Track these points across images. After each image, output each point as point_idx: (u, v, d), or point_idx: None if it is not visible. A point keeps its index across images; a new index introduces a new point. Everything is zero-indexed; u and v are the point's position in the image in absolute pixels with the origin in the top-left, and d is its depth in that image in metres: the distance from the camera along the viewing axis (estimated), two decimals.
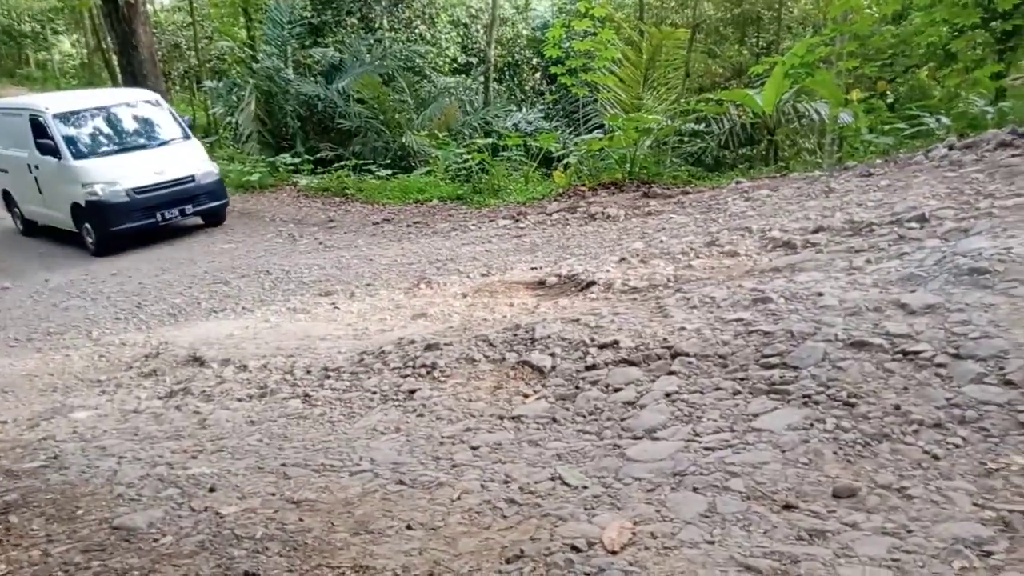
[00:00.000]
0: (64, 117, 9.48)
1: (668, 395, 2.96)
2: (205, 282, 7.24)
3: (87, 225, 9.33)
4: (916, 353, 2.71)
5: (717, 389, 2.91)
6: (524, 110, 15.33)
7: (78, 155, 9.28)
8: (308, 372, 4.08)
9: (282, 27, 14.94)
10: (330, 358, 4.23)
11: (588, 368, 3.37)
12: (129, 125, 10.04)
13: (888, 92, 8.96)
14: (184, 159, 9.82)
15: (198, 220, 10.14)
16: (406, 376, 3.72)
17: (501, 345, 3.79)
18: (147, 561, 2.25)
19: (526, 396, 3.30)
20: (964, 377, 2.51)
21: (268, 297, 6.33)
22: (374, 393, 3.61)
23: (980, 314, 2.83)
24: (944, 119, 7.37)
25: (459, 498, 2.44)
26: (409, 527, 2.29)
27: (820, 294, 3.46)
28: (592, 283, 4.81)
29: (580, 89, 11.25)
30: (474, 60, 17.91)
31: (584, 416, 3.01)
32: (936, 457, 2.18)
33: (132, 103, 10.18)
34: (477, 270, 5.93)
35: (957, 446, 2.22)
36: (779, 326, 3.20)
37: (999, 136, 5.80)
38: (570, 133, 12.98)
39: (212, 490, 2.73)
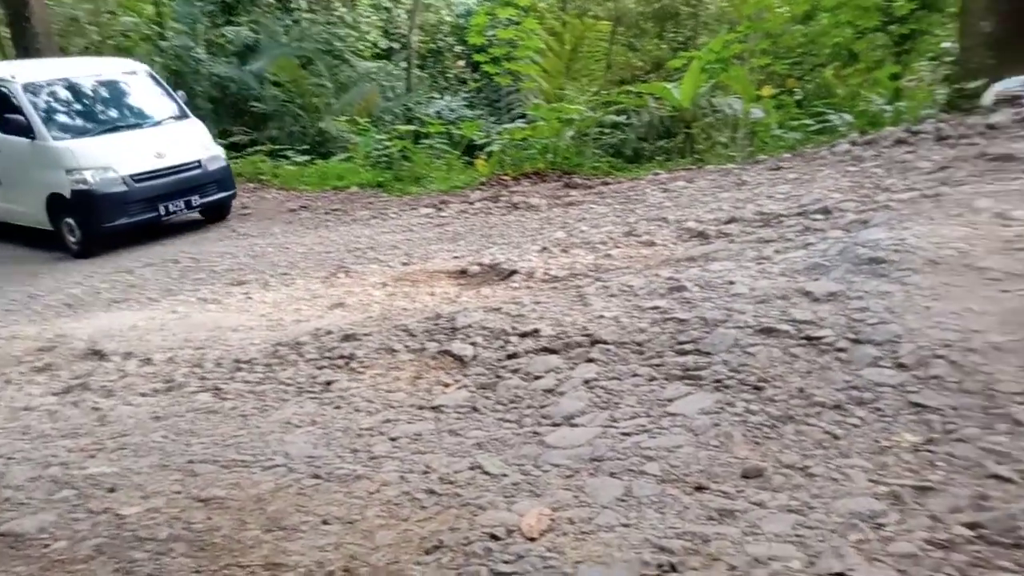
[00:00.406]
0: (36, 89, 7.77)
1: (587, 382, 2.99)
2: (106, 271, 6.84)
3: (70, 221, 7.61)
4: (819, 338, 2.84)
5: (634, 375, 2.97)
6: (447, 98, 15.18)
7: (59, 135, 7.62)
8: (218, 364, 3.91)
9: (192, 4, 14.22)
10: (242, 350, 4.07)
11: (509, 357, 3.38)
12: (115, 100, 8.37)
13: (797, 89, 9.35)
14: (187, 141, 8.27)
15: (195, 215, 8.55)
16: (323, 367, 3.63)
17: (422, 335, 3.75)
18: (36, 569, 2.11)
19: (447, 386, 3.27)
20: (862, 361, 2.64)
21: (176, 287, 6.04)
22: (289, 385, 3.50)
23: (877, 301, 2.99)
24: (847, 116, 7.75)
25: (377, 490, 2.40)
26: (325, 522, 2.23)
27: (732, 282, 3.57)
28: (514, 272, 4.81)
29: (503, 78, 11.22)
30: (396, 45, 17.58)
31: (505, 404, 3.01)
32: (836, 437, 2.29)
33: (112, 74, 8.56)
34: (398, 259, 5.84)
35: (855, 426, 2.33)
36: (693, 314, 3.29)
37: (896, 134, 6.15)
38: (493, 122, 12.96)
39: (112, 490, 2.58)
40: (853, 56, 9.49)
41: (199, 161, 8.22)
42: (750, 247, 4.26)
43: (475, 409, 3.00)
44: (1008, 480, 1.90)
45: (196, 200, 8.17)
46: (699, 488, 2.13)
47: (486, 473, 2.44)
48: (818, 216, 4.55)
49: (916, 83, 9.56)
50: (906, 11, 9.06)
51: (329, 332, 4.04)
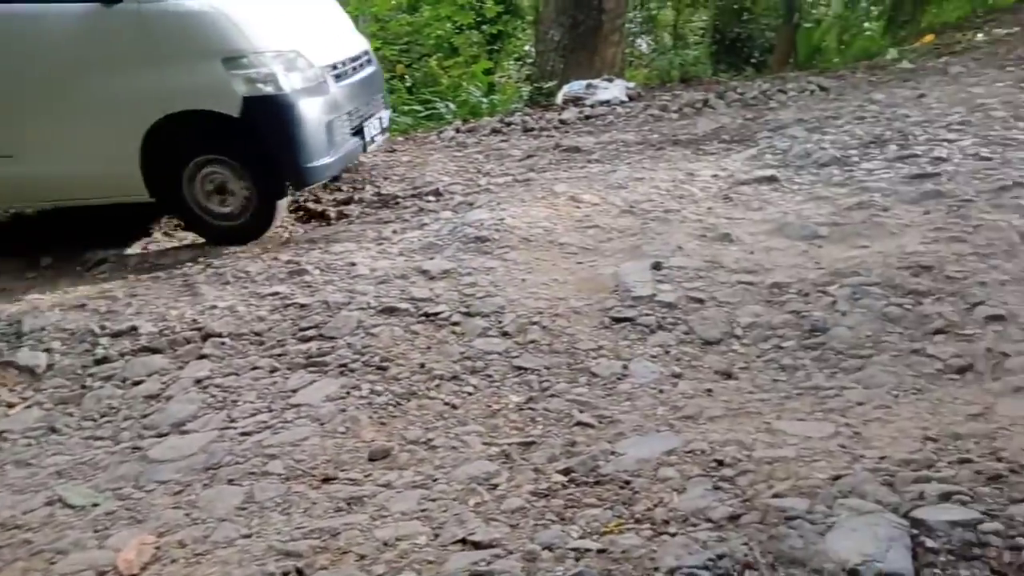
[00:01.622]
0: None
1: (199, 382, 2.69)
2: None
3: (220, 172, 3.95)
4: (436, 314, 2.97)
5: (254, 368, 2.76)
6: None
7: None
8: None
9: None
10: None
11: (98, 362, 2.87)
12: None
13: (407, 76, 9.77)
14: (336, 18, 4.92)
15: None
16: None
17: None
18: None
19: (11, 406, 2.65)
20: (473, 332, 2.85)
21: None
22: None
23: (483, 276, 3.26)
24: (451, 105, 8.37)
25: None
26: None
27: (353, 264, 3.56)
28: (104, 261, 4.11)
29: None
30: None
31: (94, 420, 2.55)
32: (454, 407, 2.43)
33: None
34: None
35: (470, 394, 2.50)
36: (315, 298, 3.19)
37: (492, 123, 6.82)
38: None
39: None
40: (454, 49, 10.28)
41: (367, 52, 4.96)
42: (370, 228, 4.30)
43: (53, 430, 2.48)
44: (590, 426, 2.22)
45: (385, 119, 4.92)
46: (326, 480, 2.06)
47: (69, 507, 2.02)
48: (431, 198, 4.80)
49: (506, 79, 10.78)
50: (494, 13, 10.12)
51: None
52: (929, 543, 1.38)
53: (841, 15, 8.59)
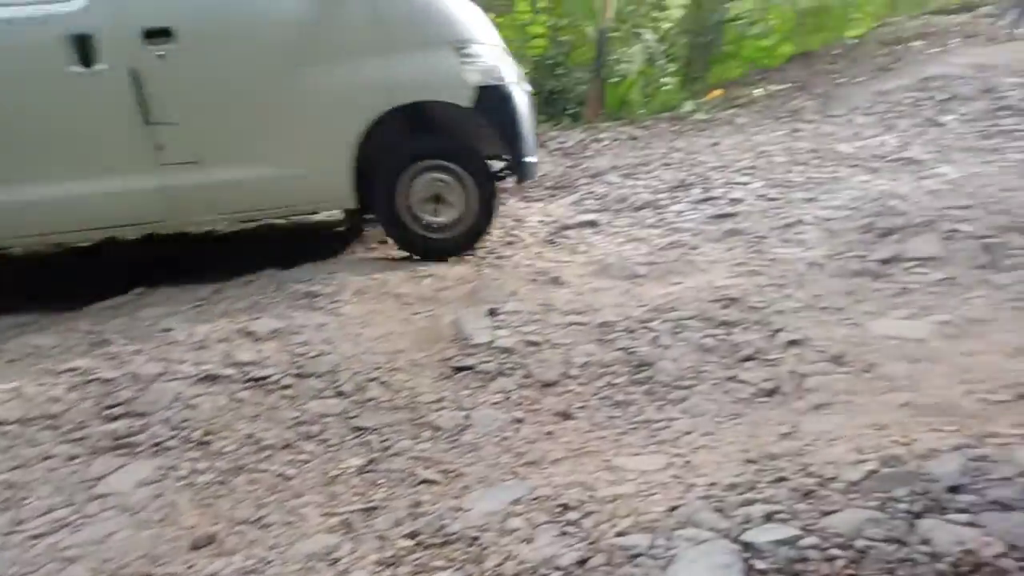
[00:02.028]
0: None
1: None
2: None
3: (443, 179, 3.74)
4: (265, 378, 2.78)
5: (47, 458, 2.41)
6: None
7: None
8: None
9: None
10: None
11: None
12: None
13: None
14: None
15: None
16: None
17: None
18: None
19: None
20: (307, 395, 2.69)
21: None
22: None
23: (315, 334, 3.11)
24: None
25: None
26: None
27: (168, 330, 3.25)
28: None
29: None
30: None
31: None
32: (288, 477, 2.26)
33: None
34: None
35: (306, 462, 2.35)
36: (123, 371, 2.86)
37: None
38: None
39: None
40: None
41: None
42: (186, 289, 3.97)
43: None
44: (434, 482, 2.16)
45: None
46: None
47: None
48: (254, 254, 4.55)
49: None
50: None
51: None
52: (759, 565, 1.46)
53: (642, 71, 9.40)
